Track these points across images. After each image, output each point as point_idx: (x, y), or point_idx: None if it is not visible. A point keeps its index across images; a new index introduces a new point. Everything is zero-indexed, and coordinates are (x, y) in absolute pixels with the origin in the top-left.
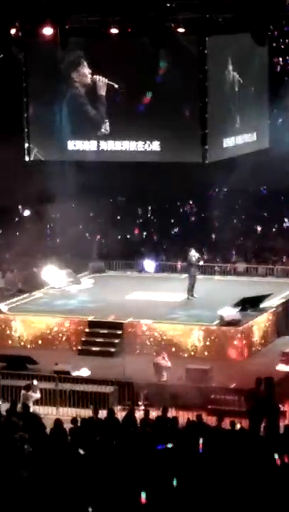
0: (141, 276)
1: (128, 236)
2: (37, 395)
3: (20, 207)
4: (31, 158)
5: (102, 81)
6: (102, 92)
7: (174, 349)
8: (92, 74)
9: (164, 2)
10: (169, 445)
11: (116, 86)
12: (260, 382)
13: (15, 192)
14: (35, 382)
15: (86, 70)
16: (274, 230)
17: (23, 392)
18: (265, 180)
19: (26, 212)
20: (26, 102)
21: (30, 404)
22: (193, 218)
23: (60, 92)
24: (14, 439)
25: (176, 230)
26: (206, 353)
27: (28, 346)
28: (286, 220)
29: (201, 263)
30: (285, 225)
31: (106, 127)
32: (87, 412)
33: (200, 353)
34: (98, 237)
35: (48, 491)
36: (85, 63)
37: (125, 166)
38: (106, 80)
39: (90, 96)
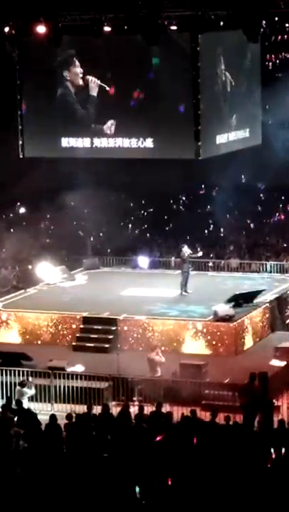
0: (135, 272)
1: (122, 232)
2: (32, 391)
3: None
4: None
5: (94, 82)
6: (94, 92)
7: (168, 345)
8: (84, 74)
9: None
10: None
11: (107, 88)
12: (254, 377)
13: (9, 188)
14: (30, 378)
15: (78, 70)
16: (267, 225)
17: (18, 388)
18: (259, 176)
19: (21, 209)
20: (20, 100)
21: (25, 400)
22: (187, 214)
23: (53, 89)
24: (9, 434)
25: (170, 226)
26: (199, 349)
27: (23, 342)
28: None
29: (200, 253)
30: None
31: (99, 124)
32: (82, 408)
33: (194, 348)
34: (92, 233)
35: (43, 486)
36: (77, 62)
37: (119, 163)
38: (98, 82)
39: (82, 95)
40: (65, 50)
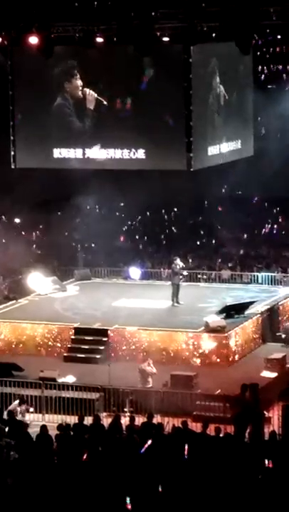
0: (126, 283)
1: (114, 243)
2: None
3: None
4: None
5: (91, 95)
6: (91, 106)
7: (159, 355)
8: (83, 87)
9: (149, 11)
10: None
11: (105, 102)
12: (246, 388)
13: (1, 198)
14: (31, 409)
15: (78, 82)
16: (259, 237)
17: (16, 402)
18: (251, 187)
19: (13, 219)
20: (12, 110)
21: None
22: (179, 225)
23: (47, 100)
24: (0, 445)
25: (161, 237)
26: (191, 360)
27: (14, 353)
28: None
29: (185, 273)
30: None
31: (92, 135)
32: (73, 419)
33: (185, 359)
34: (84, 244)
35: (34, 497)
36: (78, 74)
37: (111, 174)
38: (95, 95)
39: (78, 107)
40: (66, 61)
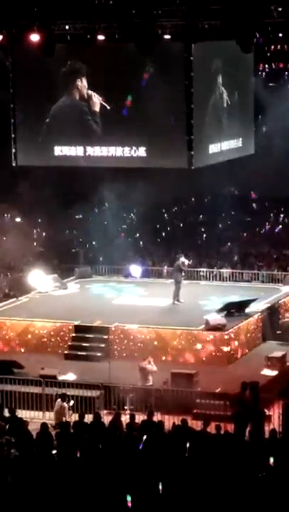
0: (127, 281)
1: (114, 241)
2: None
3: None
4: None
5: (96, 97)
6: (94, 105)
7: (159, 354)
8: (88, 88)
9: (150, 8)
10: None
11: (108, 107)
12: (246, 386)
13: (1, 195)
14: (72, 402)
15: (83, 81)
16: (259, 235)
17: (59, 401)
18: (251, 185)
19: (14, 217)
20: (13, 108)
21: (67, 415)
22: (179, 224)
23: (49, 98)
24: (0, 443)
25: (162, 235)
26: (191, 358)
27: (14, 351)
28: None
29: (183, 273)
30: None
31: (93, 133)
32: (73, 416)
33: (185, 357)
34: (85, 242)
35: (34, 495)
36: (82, 73)
37: (112, 171)
38: (100, 98)
39: (80, 106)
40: (70, 59)
